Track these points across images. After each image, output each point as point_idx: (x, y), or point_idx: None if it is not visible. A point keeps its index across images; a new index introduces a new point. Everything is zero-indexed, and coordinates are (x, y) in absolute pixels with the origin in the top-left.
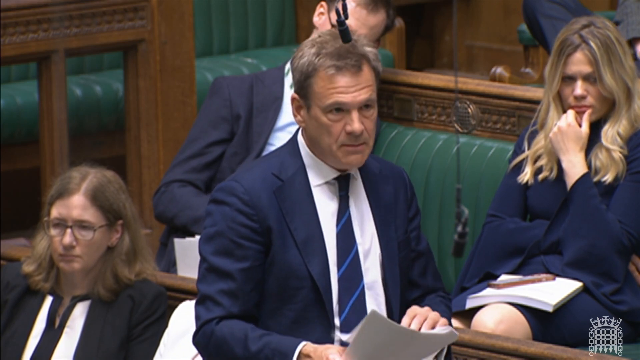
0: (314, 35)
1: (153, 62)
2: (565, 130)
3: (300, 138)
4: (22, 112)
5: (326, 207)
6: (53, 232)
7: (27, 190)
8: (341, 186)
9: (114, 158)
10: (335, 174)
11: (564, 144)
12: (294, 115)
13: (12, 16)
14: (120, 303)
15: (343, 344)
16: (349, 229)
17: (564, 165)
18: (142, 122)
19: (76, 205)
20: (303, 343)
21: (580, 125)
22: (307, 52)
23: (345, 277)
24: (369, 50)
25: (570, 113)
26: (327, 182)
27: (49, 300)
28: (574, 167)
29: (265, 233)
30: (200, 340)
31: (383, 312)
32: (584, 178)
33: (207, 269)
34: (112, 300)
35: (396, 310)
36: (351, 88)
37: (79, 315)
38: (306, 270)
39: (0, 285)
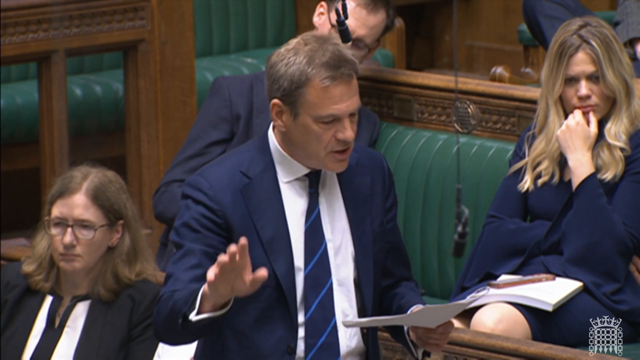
0: (294, 40)
1: (153, 62)
2: (574, 128)
3: (270, 134)
4: (22, 112)
5: (295, 204)
6: (54, 231)
7: (27, 190)
8: (311, 183)
9: (114, 158)
10: (305, 171)
11: (572, 142)
12: (274, 120)
13: (12, 16)
14: (120, 303)
15: (307, 343)
16: (318, 226)
17: (571, 163)
18: (142, 122)
19: (77, 204)
20: None
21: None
22: (294, 60)
23: (312, 275)
24: (351, 54)
25: (578, 113)
26: (297, 179)
27: (49, 300)
28: (582, 166)
29: (228, 229)
30: (153, 313)
31: (353, 308)
32: (591, 177)
33: (173, 254)
34: (112, 300)
35: (369, 305)
36: (345, 97)
37: (79, 315)
38: (271, 269)
39: (1, 285)
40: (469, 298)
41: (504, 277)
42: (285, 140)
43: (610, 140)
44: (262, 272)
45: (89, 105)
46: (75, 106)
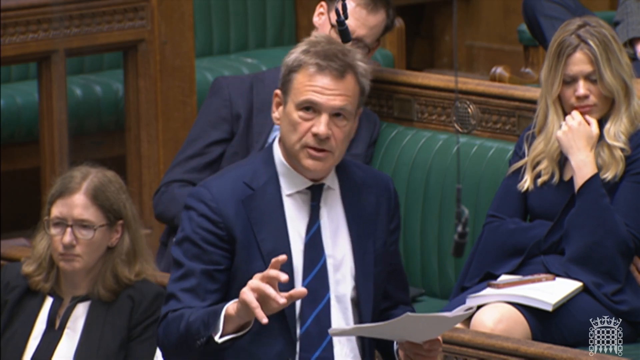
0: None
1: (153, 62)
2: (576, 129)
3: (275, 146)
4: (22, 112)
5: (296, 217)
6: (53, 231)
7: (27, 190)
8: (313, 196)
9: (114, 158)
10: (308, 184)
11: (575, 142)
12: (272, 112)
13: (12, 16)
14: (120, 303)
15: (302, 357)
16: (318, 240)
17: (574, 164)
18: (142, 122)
19: (77, 204)
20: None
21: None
22: (297, 49)
23: (310, 288)
24: (360, 64)
25: (577, 113)
26: (299, 192)
27: (49, 301)
28: (585, 166)
29: (230, 241)
30: (159, 331)
31: (350, 326)
32: (595, 177)
33: (175, 269)
34: (112, 301)
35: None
36: (327, 90)
37: (79, 316)
38: None
39: (0, 286)
40: (455, 311)
41: (504, 277)
42: (281, 142)
43: (610, 141)
44: (302, 290)
45: (89, 105)
46: (75, 106)
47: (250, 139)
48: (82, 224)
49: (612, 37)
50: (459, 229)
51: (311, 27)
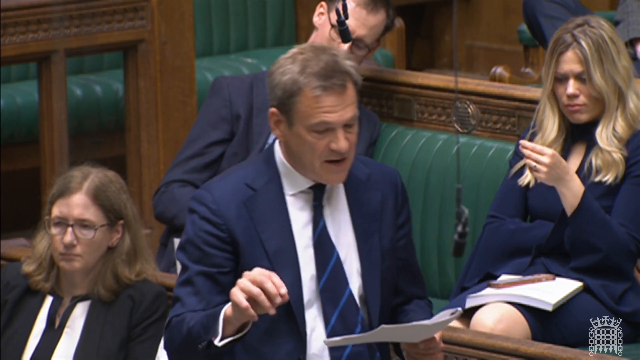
0: (293, 50)
1: (153, 62)
2: (553, 163)
3: (276, 146)
4: (22, 112)
5: (300, 217)
6: (54, 230)
7: (27, 190)
8: (316, 196)
9: (114, 158)
10: (310, 183)
11: (562, 173)
12: (272, 130)
13: (12, 16)
14: (120, 303)
15: (332, 355)
16: (326, 238)
17: (562, 190)
18: (142, 122)
19: (77, 204)
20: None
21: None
22: (289, 69)
23: (328, 287)
24: (350, 65)
25: (539, 146)
26: (301, 192)
27: (49, 300)
28: (574, 185)
29: (233, 244)
30: (164, 336)
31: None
32: (585, 195)
33: (180, 273)
34: (112, 300)
35: (375, 322)
36: (337, 107)
37: (79, 315)
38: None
39: (0, 285)
40: (438, 317)
41: (504, 277)
42: (289, 153)
43: (602, 145)
44: (286, 297)
45: (89, 105)
46: (75, 106)
47: (250, 139)
48: (83, 223)
49: (609, 38)
50: (459, 229)
51: (311, 27)
